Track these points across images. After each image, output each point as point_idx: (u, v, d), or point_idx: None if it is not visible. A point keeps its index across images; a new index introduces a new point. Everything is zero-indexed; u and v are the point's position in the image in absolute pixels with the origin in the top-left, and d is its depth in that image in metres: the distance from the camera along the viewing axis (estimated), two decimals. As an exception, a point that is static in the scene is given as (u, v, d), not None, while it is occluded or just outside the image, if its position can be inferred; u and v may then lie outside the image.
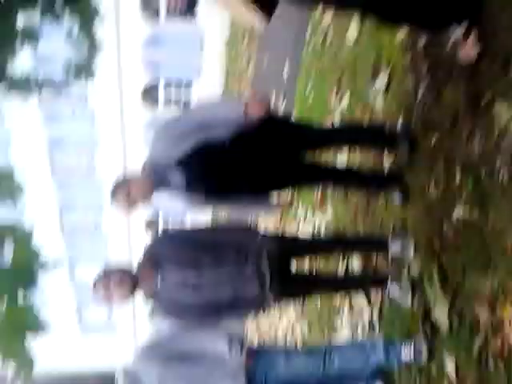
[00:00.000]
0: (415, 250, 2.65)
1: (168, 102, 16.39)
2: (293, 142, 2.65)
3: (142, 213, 18.43)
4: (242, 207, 2.90)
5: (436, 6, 2.20)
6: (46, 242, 14.08)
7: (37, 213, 16.66)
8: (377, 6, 2.11)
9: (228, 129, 2.48)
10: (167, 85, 16.32)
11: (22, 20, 2.87)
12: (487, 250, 1.98)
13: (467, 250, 2.13)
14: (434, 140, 2.53)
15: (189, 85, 16.27)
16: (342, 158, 3.80)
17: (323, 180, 2.95)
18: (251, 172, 2.60)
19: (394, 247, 2.76)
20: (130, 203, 2.46)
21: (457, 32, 2.21)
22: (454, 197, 2.27)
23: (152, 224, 19.87)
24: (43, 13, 2.95)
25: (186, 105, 16.31)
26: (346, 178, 2.94)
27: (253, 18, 2.06)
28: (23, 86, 3.08)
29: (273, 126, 2.58)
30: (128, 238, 19.12)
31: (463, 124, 2.26)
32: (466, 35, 2.17)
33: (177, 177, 2.51)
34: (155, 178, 2.49)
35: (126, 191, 2.43)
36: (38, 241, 12.75)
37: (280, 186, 2.89)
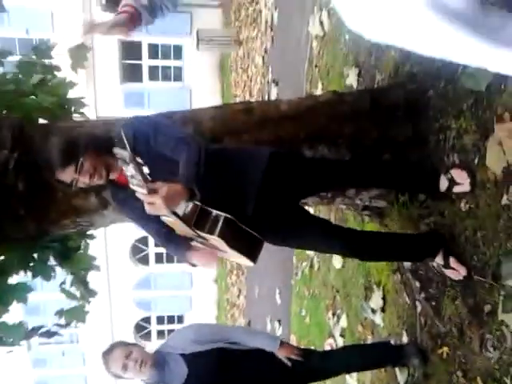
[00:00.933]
0: None
1: (161, 334, 15.90)
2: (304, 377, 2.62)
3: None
4: None
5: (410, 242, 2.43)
6: None
7: None
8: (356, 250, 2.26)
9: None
10: (159, 320, 16.06)
11: (15, 278, 3.02)
12: None
13: None
14: (445, 351, 2.46)
15: (181, 319, 16.07)
16: (351, 382, 3.58)
17: None
18: None
19: None
20: (126, 362, 2.32)
21: (437, 261, 2.36)
22: (484, 408, 2.10)
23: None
24: (36, 271, 3.12)
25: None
26: None
27: (242, 260, 2.17)
28: (11, 335, 2.99)
29: None
30: None
31: (471, 333, 2.24)
32: (447, 262, 2.31)
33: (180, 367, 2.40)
34: (157, 360, 2.39)
35: (126, 351, 2.34)
36: None
37: None
